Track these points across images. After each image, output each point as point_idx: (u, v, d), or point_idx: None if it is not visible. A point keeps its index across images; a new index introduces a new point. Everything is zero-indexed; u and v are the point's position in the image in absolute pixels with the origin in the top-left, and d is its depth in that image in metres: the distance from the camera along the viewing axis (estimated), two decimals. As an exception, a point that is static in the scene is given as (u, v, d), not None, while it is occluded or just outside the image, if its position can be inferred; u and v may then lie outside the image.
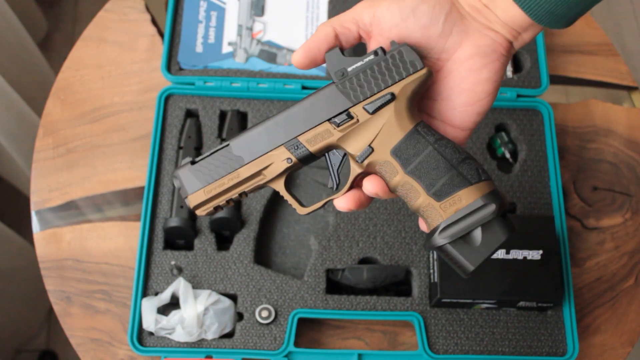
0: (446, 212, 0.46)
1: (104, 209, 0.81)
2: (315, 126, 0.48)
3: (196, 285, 0.74)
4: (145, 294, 0.74)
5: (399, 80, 0.47)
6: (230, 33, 0.86)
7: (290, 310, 0.73)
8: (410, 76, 0.47)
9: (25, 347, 1.44)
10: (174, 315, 0.70)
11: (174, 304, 0.72)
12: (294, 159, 0.49)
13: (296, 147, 0.49)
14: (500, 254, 0.72)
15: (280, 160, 0.49)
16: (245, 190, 0.50)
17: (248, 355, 0.72)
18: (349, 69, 0.48)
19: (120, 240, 0.79)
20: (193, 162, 0.50)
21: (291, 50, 0.85)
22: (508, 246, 0.72)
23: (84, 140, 0.84)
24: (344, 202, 0.49)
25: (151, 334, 0.72)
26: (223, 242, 0.78)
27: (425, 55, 0.48)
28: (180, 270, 0.75)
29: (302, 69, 0.50)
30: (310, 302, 0.74)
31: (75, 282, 0.77)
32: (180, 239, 0.77)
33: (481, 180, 0.47)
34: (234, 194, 0.50)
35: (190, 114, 0.83)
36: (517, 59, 0.86)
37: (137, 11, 0.91)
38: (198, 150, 0.80)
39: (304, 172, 0.82)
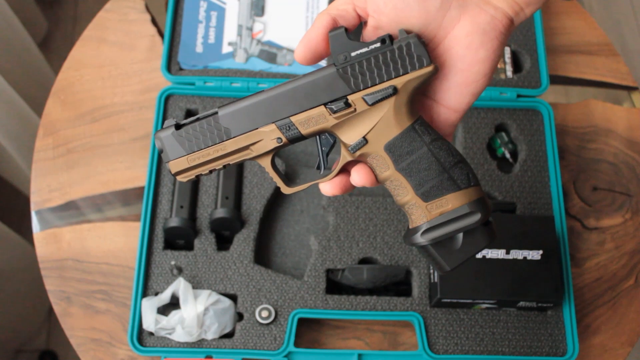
0: (431, 213, 0.46)
1: (104, 209, 0.81)
2: (310, 109, 0.47)
3: (196, 285, 0.74)
4: (145, 294, 0.74)
5: (403, 74, 0.46)
6: (230, 33, 0.86)
7: (290, 311, 0.73)
8: (415, 71, 0.45)
9: (25, 347, 1.44)
10: (174, 315, 0.70)
11: (174, 304, 0.72)
12: (284, 139, 0.47)
13: (288, 128, 0.47)
14: (500, 254, 0.72)
15: (270, 138, 0.47)
16: (230, 162, 0.49)
17: (248, 355, 0.72)
18: (353, 54, 0.46)
19: (120, 240, 0.79)
20: (178, 126, 0.48)
21: (291, 50, 0.85)
22: (508, 246, 0.72)
23: (84, 140, 0.84)
24: (329, 187, 0.49)
25: (151, 334, 0.72)
26: (223, 242, 0.78)
27: (423, 35, 0.46)
28: (180, 270, 0.75)
29: (307, 64, 0.48)
30: (310, 302, 0.74)
31: (75, 282, 0.77)
32: (180, 239, 0.77)
33: (470, 186, 0.46)
34: (217, 165, 0.49)
35: (191, 114, 0.83)
36: (517, 59, 0.86)
37: (137, 11, 0.91)
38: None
39: (303, 172, 0.82)
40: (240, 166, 0.79)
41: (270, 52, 0.85)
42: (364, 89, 0.46)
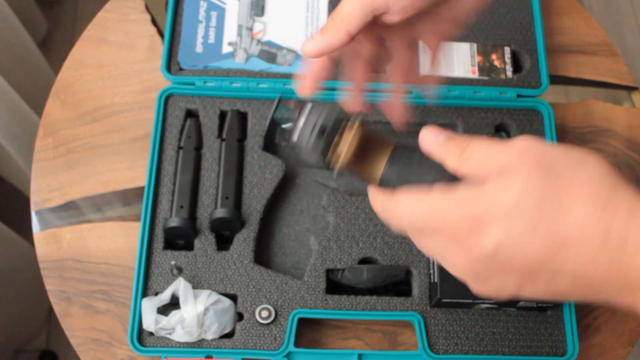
0: None
1: (104, 209, 0.81)
2: None
3: (196, 285, 0.74)
4: (145, 294, 0.74)
5: None
6: (230, 33, 0.86)
7: (290, 311, 0.73)
8: None
9: (25, 347, 1.44)
10: (174, 315, 0.70)
11: (174, 304, 0.72)
12: None
13: None
14: (500, 254, 0.72)
15: None
16: None
17: (248, 355, 0.72)
18: None
19: (120, 240, 0.79)
20: None
21: (291, 51, 0.85)
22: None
23: (84, 140, 0.84)
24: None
25: (151, 334, 0.72)
26: (223, 242, 0.78)
27: None
28: (180, 270, 0.75)
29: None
30: (310, 302, 0.74)
31: (75, 282, 0.77)
32: (180, 239, 0.77)
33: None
34: None
35: (190, 114, 0.83)
36: (517, 59, 0.86)
37: (137, 11, 0.91)
38: (198, 150, 0.80)
39: (303, 172, 0.82)
40: (240, 166, 0.79)
41: (270, 52, 0.85)
42: None
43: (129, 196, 0.81)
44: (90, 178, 0.82)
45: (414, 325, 0.74)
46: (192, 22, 0.86)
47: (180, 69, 0.84)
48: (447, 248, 0.43)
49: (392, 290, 0.77)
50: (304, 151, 0.47)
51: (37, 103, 1.16)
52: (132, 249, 0.78)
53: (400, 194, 0.44)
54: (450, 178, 0.45)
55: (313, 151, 0.47)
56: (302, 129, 0.46)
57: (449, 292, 0.71)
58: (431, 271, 0.74)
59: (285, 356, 0.72)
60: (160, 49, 0.88)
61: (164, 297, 0.72)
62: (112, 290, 0.77)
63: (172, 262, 0.75)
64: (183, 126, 0.81)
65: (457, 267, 0.43)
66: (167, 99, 0.82)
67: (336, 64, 0.50)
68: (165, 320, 0.70)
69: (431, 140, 0.46)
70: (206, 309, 0.71)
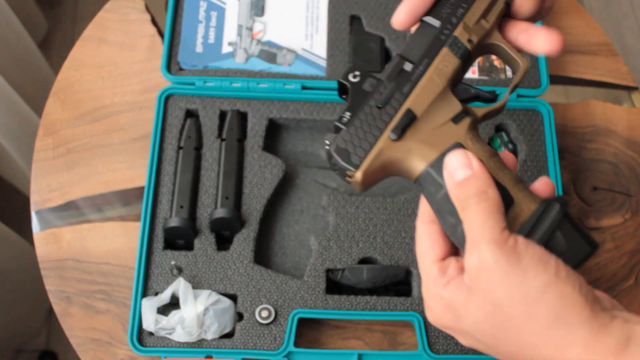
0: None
1: (104, 209, 0.81)
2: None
3: (196, 285, 0.74)
4: (145, 294, 0.74)
5: None
6: (230, 33, 0.86)
7: (290, 311, 0.73)
8: None
9: (25, 347, 1.44)
10: (174, 315, 0.70)
11: (174, 304, 0.72)
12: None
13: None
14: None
15: None
16: None
17: (248, 355, 0.72)
18: None
19: (120, 240, 0.79)
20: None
21: (291, 51, 0.85)
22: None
23: (84, 140, 0.84)
24: None
25: (151, 334, 0.72)
26: (223, 242, 0.78)
27: None
28: (180, 270, 0.75)
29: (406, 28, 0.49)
30: (310, 302, 0.74)
31: (75, 282, 0.77)
32: (180, 239, 0.77)
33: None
34: None
35: (190, 114, 0.83)
36: (517, 59, 0.86)
37: (137, 11, 0.91)
38: (198, 150, 0.80)
39: (303, 172, 0.82)
40: (240, 166, 0.79)
41: (270, 52, 0.85)
42: None
43: (129, 196, 0.81)
44: (90, 178, 0.82)
45: (414, 325, 0.74)
46: (192, 22, 0.86)
47: (180, 69, 0.84)
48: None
49: (392, 290, 0.77)
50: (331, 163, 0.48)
51: (37, 103, 1.16)
52: (132, 249, 0.78)
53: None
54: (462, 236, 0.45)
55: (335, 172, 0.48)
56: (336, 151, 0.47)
57: (449, 292, 0.71)
58: (431, 271, 0.74)
59: (285, 356, 0.72)
60: (160, 49, 0.88)
61: (164, 297, 0.72)
62: (112, 290, 0.77)
63: (172, 262, 0.75)
64: (183, 126, 0.81)
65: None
66: (167, 99, 0.82)
67: None
68: (165, 320, 0.70)
69: (449, 180, 0.45)
70: (206, 309, 0.71)
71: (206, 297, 0.71)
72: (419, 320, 0.73)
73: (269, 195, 0.79)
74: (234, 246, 0.76)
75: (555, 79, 0.88)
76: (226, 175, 0.78)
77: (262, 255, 0.79)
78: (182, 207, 0.76)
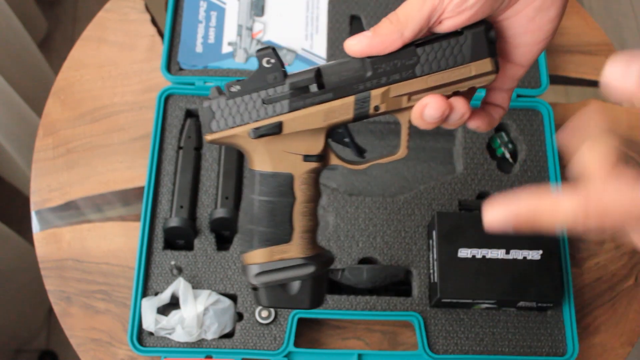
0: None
1: (104, 209, 0.81)
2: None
3: (196, 285, 0.74)
4: (145, 294, 0.74)
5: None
6: (230, 33, 0.86)
7: (290, 311, 0.73)
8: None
9: (25, 347, 1.44)
10: (174, 315, 0.70)
11: (174, 304, 0.72)
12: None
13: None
14: (500, 254, 0.72)
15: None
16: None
17: (248, 355, 0.72)
18: None
19: (120, 240, 0.79)
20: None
21: (291, 51, 0.85)
22: (508, 246, 0.72)
23: (84, 140, 0.84)
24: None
25: (151, 334, 0.72)
26: (223, 242, 0.78)
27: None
28: (180, 270, 0.75)
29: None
30: (310, 302, 0.74)
31: (75, 282, 0.77)
32: (180, 239, 0.77)
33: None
34: None
35: (190, 114, 0.83)
36: (517, 59, 0.86)
37: (137, 11, 0.91)
38: (198, 150, 0.80)
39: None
40: (240, 166, 0.79)
41: (270, 52, 0.85)
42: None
43: (129, 196, 0.81)
44: (90, 178, 0.82)
45: (414, 325, 0.74)
46: (192, 22, 0.86)
47: (180, 69, 0.84)
48: None
49: (392, 290, 0.77)
50: None
51: (37, 103, 1.16)
52: (132, 249, 0.78)
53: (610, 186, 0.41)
54: None
55: None
56: None
57: (449, 292, 0.71)
58: (431, 271, 0.74)
59: (285, 356, 0.72)
60: (160, 49, 0.88)
61: (164, 297, 0.72)
62: (112, 290, 0.77)
63: (172, 262, 0.75)
64: (183, 126, 0.81)
65: None
66: (167, 99, 0.82)
67: None
68: (165, 320, 0.70)
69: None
70: (206, 309, 0.71)
71: (206, 297, 0.71)
72: (419, 320, 0.73)
73: (269, 195, 0.78)
74: (234, 246, 0.76)
75: (555, 79, 0.88)
76: (226, 175, 0.78)
77: (262, 255, 0.78)
78: (182, 207, 0.76)
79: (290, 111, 0.48)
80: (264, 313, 0.73)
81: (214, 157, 0.80)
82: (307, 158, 0.49)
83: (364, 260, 0.77)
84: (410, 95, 0.46)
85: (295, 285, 0.50)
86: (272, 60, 0.47)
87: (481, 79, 0.46)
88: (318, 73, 0.47)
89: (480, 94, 0.52)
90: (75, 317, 0.76)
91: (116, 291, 0.77)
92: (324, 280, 0.53)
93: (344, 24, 0.87)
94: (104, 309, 0.76)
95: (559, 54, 0.90)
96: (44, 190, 0.82)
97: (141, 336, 0.72)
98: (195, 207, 0.78)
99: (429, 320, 0.74)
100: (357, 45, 0.46)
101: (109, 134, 0.84)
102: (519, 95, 0.83)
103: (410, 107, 0.47)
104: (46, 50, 1.61)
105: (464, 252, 0.72)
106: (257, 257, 0.50)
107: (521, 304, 0.73)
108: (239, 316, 0.74)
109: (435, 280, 0.72)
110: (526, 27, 0.46)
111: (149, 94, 0.85)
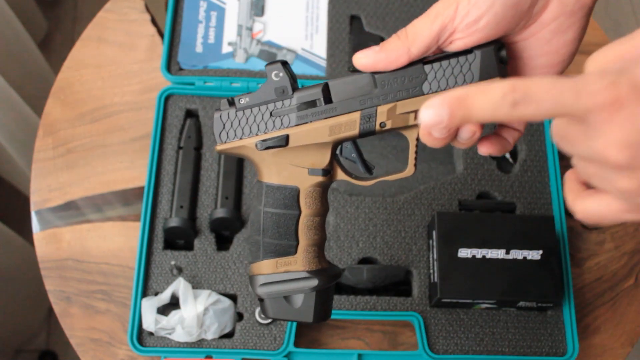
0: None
1: (104, 209, 0.81)
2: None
3: (196, 285, 0.74)
4: (145, 294, 0.74)
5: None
6: (230, 33, 0.86)
7: (290, 310, 0.73)
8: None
9: (25, 347, 1.44)
10: (174, 315, 0.70)
11: (174, 304, 0.72)
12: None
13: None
14: (500, 254, 0.72)
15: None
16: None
17: (248, 355, 0.72)
18: None
19: (120, 240, 0.79)
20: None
21: (291, 51, 0.85)
22: (508, 246, 0.72)
23: (84, 140, 0.84)
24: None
25: (151, 334, 0.72)
26: (223, 242, 0.78)
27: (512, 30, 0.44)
28: (180, 270, 0.75)
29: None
30: (310, 302, 0.74)
31: (75, 282, 0.77)
32: (180, 239, 0.77)
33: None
34: None
35: (190, 114, 0.83)
36: (517, 59, 0.86)
37: (137, 11, 0.91)
38: (198, 150, 0.80)
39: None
40: (240, 166, 0.79)
41: (270, 52, 0.85)
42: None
43: (129, 196, 0.81)
44: (90, 178, 0.82)
45: (414, 325, 0.74)
46: (192, 22, 0.86)
47: (180, 69, 0.84)
48: None
49: (392, 290, 0.77)
50: None
51: (37, 103, 1.16)
52: (132, 249, 0.78)
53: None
54: None
55: None
56: None
57: (449, 292, 0.71)
58: (431, 271, 0.74)
59: (285, 356, 0.72)
60: (160, 49, 0.88)
61: (164, 297, 0.72)
62: (112, 290, 0.77)
63: (172, 262, 0.75)
64: (183, 126, 0.81)
65: None
66: (167, 99, 0.82)
67: None
68: (165, 320, 0.70)
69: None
70: (206, 309, 0.71)
71: (206, 297, 0.71)
72: (419, 320, 0.73)
73: (269, 195, 0.78)
74: (234, 246, 0.76)
75: (555, 79, 0.88)
76: (226, 176, 0.78)
77: (262, 255, 0.78)
78: (182, 207, 0.76)
79: (296, 125, 0.48)
80: (264, 313, 0.73)
81: (214, 157, 0.80)
82: (312, 172, 0.49)
83: (364, 260, 0.77)
84: (417, 112, 0.46)
85: (299, 299, 0.51)
86: (281, 74, 0.48)
87: None
88: (325, 88, 0.47)
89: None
90: (75, 317, 0.76)
91: (116, 291, 0.77)
92: (330, 296, 0.53)
93: (344, 24, 0.87)
94: (104, 309, 0.76)
95: (559, 54, 0.90)
96: (44, 190, 0.82)
97: (141, 336, 0.72)
98: (195, 207, 0.78)
99: (429, 320, 0.74)
100: (364, 59, 0.45)
101: (109, 134, 0.84)
102: (519, 95, 0.82)
103: (418, 125, 0.46)
104: (46, 51, 1.61)
105: (464, 252, 0.72)
106: (263, 268, 0.51)
107: (521, 304, 0.73)
108: (239, 316, 0.74)
109: (435, 280, 0.72)
110: (542, 49, 0.45)
111: (149, 94, 0.85)
